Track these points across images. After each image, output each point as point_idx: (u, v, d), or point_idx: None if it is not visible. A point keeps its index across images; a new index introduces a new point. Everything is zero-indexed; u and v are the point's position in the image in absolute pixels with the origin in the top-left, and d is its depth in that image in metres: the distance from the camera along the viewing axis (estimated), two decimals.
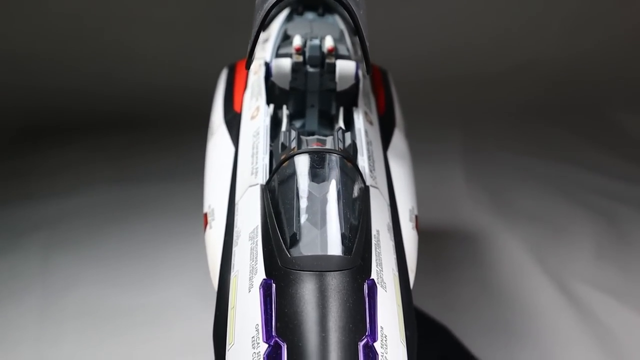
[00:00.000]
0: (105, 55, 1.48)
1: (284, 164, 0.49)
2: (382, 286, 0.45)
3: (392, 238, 0.53)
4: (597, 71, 1.56)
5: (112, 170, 1.29)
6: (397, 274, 0.50)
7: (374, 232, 0.48)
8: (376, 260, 0.46)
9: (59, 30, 1.46)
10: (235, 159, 0.61)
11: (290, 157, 0.48)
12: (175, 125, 1.42)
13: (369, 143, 0.60)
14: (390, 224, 0.54)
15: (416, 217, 0.60)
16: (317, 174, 0.47)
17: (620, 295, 1.00)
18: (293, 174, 0.48)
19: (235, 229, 0.52)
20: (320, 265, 0.42)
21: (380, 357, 0.40)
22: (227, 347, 0.44)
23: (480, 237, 1.14)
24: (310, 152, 0.48)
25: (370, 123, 0.64)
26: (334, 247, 0.43)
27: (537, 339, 0.92)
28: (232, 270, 0.49)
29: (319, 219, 0.44)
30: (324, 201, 0.45)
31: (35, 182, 1.25)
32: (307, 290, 0.40)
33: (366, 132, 0.61)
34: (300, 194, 0.46)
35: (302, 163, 0.48)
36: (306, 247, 0.43)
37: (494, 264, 1.08)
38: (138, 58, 1.47)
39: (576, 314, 0.96)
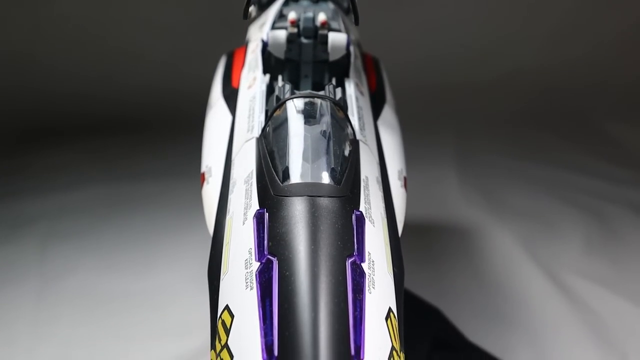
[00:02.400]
0: (105, 60, 1.53)
1: (277, 111, 0.52)
2: (370, 221, 0.47)
3: (381, 189, 0.55)
4: (582, 80, 1.61)
5: (109, 168, 1.32)
6: (385, 218, 0.52)
7: (362, 177, 0.51)
8: (365, 199, 0.49)
9: (60, 35, 1.52)
10: (233, 123, 0.64)
11: (284, 102, 0.51)
12: (170, 127, 1.46)
13: (359, 108, 0.63)
14: (380, 178, 0.56)
15: (405, 178, 0.63)
16: (309, 117, 0.50)
17: (610, 284, 1.02)
18: (286, 118, 0.50)
19: (231, 181, 0.55)
20: (311, 191, 0.44)
21: (367, 277, 0.42)
22: (222, 276, 0.45)
23: (473, 232, 1.16)
24: (303, 97, 0.51)
25: (362, 94, 0.68)
26: (324, 177, 0.46)
27: (527, 324, 0.93)
28: (227, 214, 0.51)
29: (310, 155, 0.47)
30: (315, 139, 0.48)
31: (35, 179, 1.28)
32: (298, 212, 0.42)
33: (357, 98, 0.64)
34: (293, 134, 0.49)
35: (294, 108, 0.51)
36: (297, 178, 0.45)
37: (486, 256, 1.09)
38: (136, 63, 1.53)
39: (566, 301, 0.97)
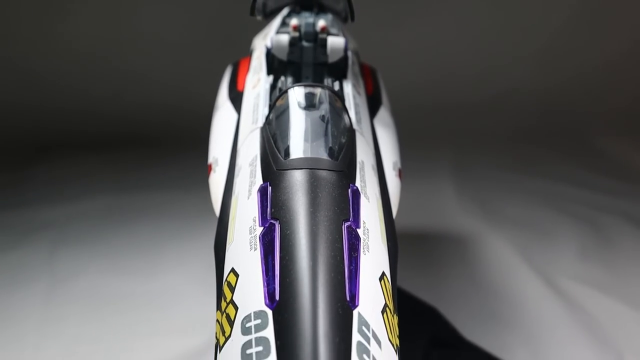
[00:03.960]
0: (115, 79, 1.60)
1: (280, 100, 0.56)
2: (365, 196, 0.51)
3: (376, 175, 0.59)
4: (575, 98, 1.67)
5: (118, 180, 1.37)
6: (380, 199, 0.55)
7: (358, 160, 0.55)
8: (360, 178, 0.52)
9: (73, 55, 1.59)
10: (238, 120, 0.69)
11: (286, 90, 0.55)
12: (176, 143, 1.51)
13: (356, 104, 0.67)
14: (375, 167, 0.60)
15: (400, 170, 0.67)
16: (309, 104, 0.54)
17: (604, 288, 1.04)
18: (288, 106, 0.55)
19: (237, 167, 0.59)
20: (310, 164, 0.48)
21: (362, 241, 0.45)
22: (227, 246, 0.49)
23: (470, 240, 1.19)
24: (304, 86, 0.56)
25: (359, 93, 0.72)
26: (323, 153, 0.50)
27: (523, 325, 0.95)
28: (232, 195, 0.55)
29: (310, 135, 0.51)
30: (315, 123, 0.52)
31: (46, 189, 1.32)
32: (298, 182, 0.46)
33: (354, 96, 0.68)
34: (294, 118, 0.53)
35: (295, 96, 0.55)
36: (298, 154, 0.49)
37: (482, 262, 1.12)
38: (144, 82, 1.59)
39: (562, 303, 0.99)
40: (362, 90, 0.75)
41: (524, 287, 1.04)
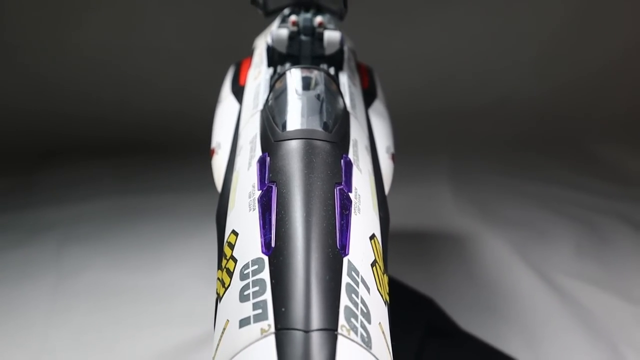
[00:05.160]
0: (122, 86, 1.65)
1: (278, 82, 0.60)
2: (357, 168, 0.54)
3: (369, 155, 0.62)
4: (570, 105, 1.71)
5: (124, 183, 1.40)
6: (372, 174, 0.58)
7: (352, 138, 0.58)
8: (353, 152, 0.56)
9: (81, 62, 1.65)
10: (240, 109, 0.72)
11: (284, 72, 0.59)
12: (180, 148, 1.55)
13: (351, 93, 0.71)
14: (368, 148, 0.64)
15: (393, 154, 0.70)
16: (305, 84, 0.58)
17: (599, 282, 1.06)
18: (285, 87, 0.58)
19: (238, 147, 0.62)
20: (305, 134, 0.51)
21: (354, 205, 0.48)
22: (229, 213, 0.52)
23: (467, 238, 1.21)
24: (301, 68, 0.59)
25: (354, 85, 0.76)
26: (317, 126, 0.53)
27: (518, 316, 0.97)
28: (234, 171, 0.58)
29: (306, 111, 0.54)
30: (310, 101, 0.56)
31: (54, 191, 1.36)
32: (294, 149, 0.50)
33: (349, 86, 0.72)
34: (291, 97, 0.57)
35: (292, 77, 0.59)
36: (295, 126, 0.53)
37: (478, 258, 1.14)
38: (150, 89, 1.64)
39: (557, 296, 1.01)
40: (357, 83, 0.79)
41: (519, 281, 1.06)
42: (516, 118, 1.68)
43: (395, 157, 0.70)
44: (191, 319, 0.94)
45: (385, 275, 0.48)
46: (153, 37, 1.66)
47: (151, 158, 1.51)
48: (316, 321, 0.35)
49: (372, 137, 0.69)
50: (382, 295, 0.44)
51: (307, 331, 0.34)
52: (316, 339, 0.34)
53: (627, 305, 1.00)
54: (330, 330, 0.35)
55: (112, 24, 1.64)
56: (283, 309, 0.35)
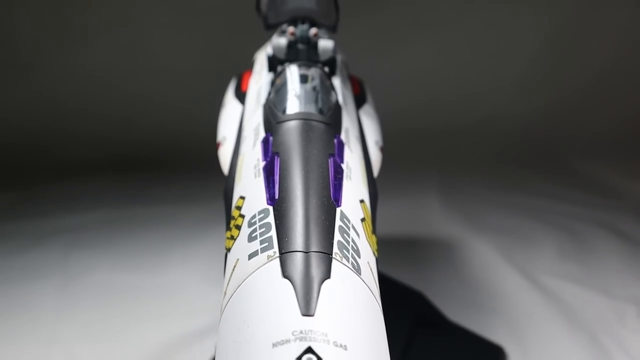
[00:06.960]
0: (125, 105, 1.74)
1: (278, 79, 0.68)
2: (349, 148, 0.61)
3: (359, 144, 0.69)
4: (552, 123, 1.81)
5: (128, 195, 1.47)
6: (362, 159, 0.66)
7: (344, 126, 0.66)
8: (345, 136, 0.63)
9: (86, 82, 1.74)
10: (243, 108, 0.80)
11: (283, 69, 0.67)
12: (182, 164, 1.63)
13: (343, 93, 0.79)
14: (359, 138, 0.71)
15: (381, 147, 0.77)
16: (302, 79, 0.66)
17: (579, 280, 1.12)
18: (285, 81, 0.66)
19: (242, 137, 0.69)
20: (303, 116, 0.59)
21: (345, 174, 0.55)
22: (235, 187, 0.58)
23: (454, 244, 1.28)
24: (298, 65, 0.67)
25: (346, 89, 0.84)
26: (313, 111, 0.61)
27: (503, 310, 1.02)
28: (239, 155, 0.65)
29: (303, 99, 0.62)
30: (307, 92, 0.64)
31: (61, 202, 1.42)
32: (293, 127, 0.57)
33: (342, 88, 0.80)
34: (289, 88, 0.64)
35: (291, 72, 0.67)
36: (294, 111, 0.60)
37: (466, 261, 1.20)
38: (153, 107, 1.73)
39: (539, 293, 1.07)
40: (349, 87, 0.87)
41: (505, 280, 1.12)
42: (501, 135, 1.77)
43: (383, 150, 0.77)
44: (193, 313, 0.99)
45: (373, 234, 0.55)
46: (156, 60, 1.76)
47: (153, 172, 1.58)
48: (314, 246, 0.41)
49: (362, 132, 0.77)
50: (370, 246, 0.50)
51: (306, 252, 0.41)
52: (314, 258, 0.40)
53: (606, 300, 1.05)
54: (326, 254, 0.41)
55: (119, 46, 1.75)
56: (286, 239, 0.42)
